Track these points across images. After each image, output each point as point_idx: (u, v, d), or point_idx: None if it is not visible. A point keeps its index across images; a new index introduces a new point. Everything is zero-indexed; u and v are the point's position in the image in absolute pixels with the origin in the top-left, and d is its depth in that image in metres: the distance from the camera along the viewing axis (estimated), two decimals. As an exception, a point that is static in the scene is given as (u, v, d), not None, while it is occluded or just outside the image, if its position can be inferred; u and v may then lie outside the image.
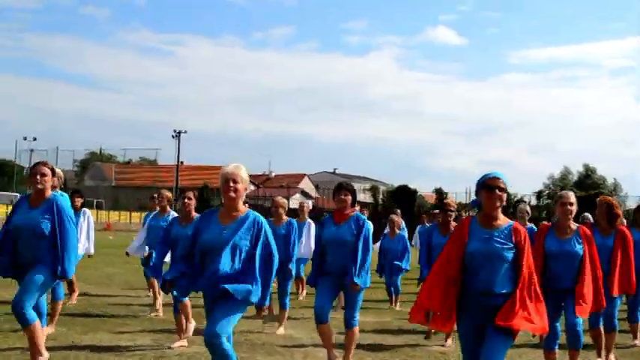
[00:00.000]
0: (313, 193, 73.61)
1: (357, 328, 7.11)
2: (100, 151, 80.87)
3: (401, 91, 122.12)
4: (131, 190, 67.50)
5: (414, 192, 59.30)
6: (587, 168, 57.94)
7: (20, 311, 6.08)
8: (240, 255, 5.25)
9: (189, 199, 8.11)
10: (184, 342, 8.01)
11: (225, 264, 5.19)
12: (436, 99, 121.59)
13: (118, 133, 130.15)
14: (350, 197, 7.04)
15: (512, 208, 50.83)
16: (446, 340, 8.68)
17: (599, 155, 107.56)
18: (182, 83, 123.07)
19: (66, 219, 6.32)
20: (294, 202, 52.04)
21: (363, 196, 64.28)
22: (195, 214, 8.14)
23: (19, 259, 6.34)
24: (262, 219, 5.41)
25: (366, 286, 6.95)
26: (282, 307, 9.39)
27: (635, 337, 9.17)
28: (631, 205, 55.68)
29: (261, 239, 5.31)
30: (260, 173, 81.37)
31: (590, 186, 56.18)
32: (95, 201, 59.52)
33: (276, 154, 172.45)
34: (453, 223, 8.89)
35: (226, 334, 5.11)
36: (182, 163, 67.41)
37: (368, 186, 70.01)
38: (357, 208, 10.11)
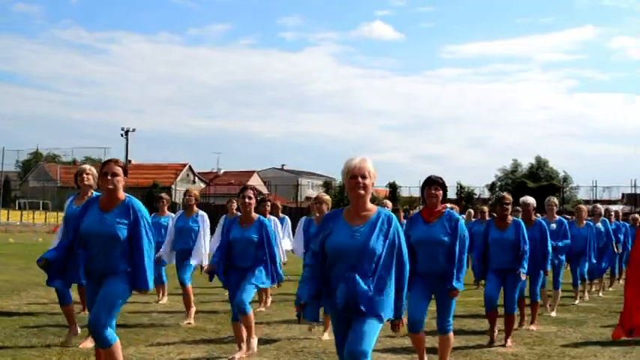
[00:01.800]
0: (263, 189, 72.88)
1: (452, 334, 6.64)
2: (37, 152, 78.45)
3: (338, 87, 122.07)
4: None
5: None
6: (538, 160, 58.58)
7: (100, 331, 5.40)
8: (377, 262, 4.65)
9: (250, 198, 7.46)
10: (243, 353, 7.40)
11: (362, 273, 4.59)
12: (373, 94, 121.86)
13: (57, 133, 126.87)
14: (441, 192, 6.55)
15: (466, 201, 51.55)
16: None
17: (533, 149, 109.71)
18: (119, 82, 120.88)
19: (143, 223, 5.64)
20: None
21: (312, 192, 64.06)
22: (255, 215, 7.55)
23: (88, 266, 5.65)
24: (394, 216, 4.82)
25: (462, 289, 6.48)
26: (327, 312, 8.82)
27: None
28: (582, 196, 56.86)
29: (396, 242, 4.72)
30: (208, 170, 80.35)
31: (542, 177, 56.95)
32: (41, 202, 57.66)
33: (214, 152, 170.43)
34: (510, 217, 8.51)
35: (369, 352, 4.53)
36: (130, 161, 65.75)
37: (320, 182, 69.70)
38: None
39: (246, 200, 7.44)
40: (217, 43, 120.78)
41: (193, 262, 9.36)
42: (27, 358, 7.15)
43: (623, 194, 57.64)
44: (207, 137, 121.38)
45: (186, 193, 9.77)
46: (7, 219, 51.92)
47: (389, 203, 12.19)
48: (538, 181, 55.71)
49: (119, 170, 5.66)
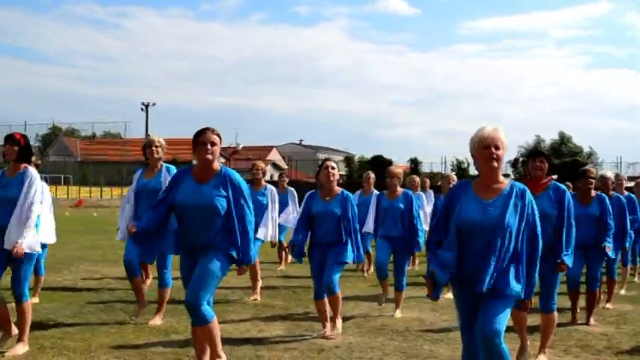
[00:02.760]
0: (283, 164, 72.52)
1: (556, 313, 6.31)
2: (54, 126, 78.24)
3: (351, 62, 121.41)
4: (97, 165, 65.49)
5: (390, 162, 58.77)
6: (562, 136, 57.96)
7: (197, 308, 5.10)
8: (510, 238, 4.30)
9: (333, 168, 7.09)
10: (329, 332, 7.11)
11: (496, 250, 4.23)
12: (387, 70, 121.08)
13: (71, 108, 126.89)
14: (546, 165, 6.20)
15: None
16: None
17: (545, 125, 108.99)
18: (132, 57, 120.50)
19: (243, 195, 5.32)
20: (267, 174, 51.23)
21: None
22: (338, 188, 7.22)
23: (183, 240, 5.35)
24: (527, 189, 4.45)
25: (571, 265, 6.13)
26: (399, 288, 8.53)
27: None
28: (606, 172, 56.20)
29: (530, 217, 4.36)
30: (226, 146, 79.90)
31: (565, 154, 56.38)
32: (62, 177, 57.61)
33: (232, 127, 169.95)
34: (594, 192, 8.14)
35: (502, 332, 4.22)
36: (149, 136, 65.53)
37: (340, 157, 69.32)
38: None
39: (330, 171, 7.09)
40: (229, 19, 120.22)
41: (260, 236, 9.05)
42: (104, 335, 6.89)
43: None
44: (222, 113, 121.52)
45: (254, 166, 9.44)
46: (30, 194, 51.89)
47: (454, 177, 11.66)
48: (561, 157, 55.13)
49: (217, 139, 5.33)
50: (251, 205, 5.37)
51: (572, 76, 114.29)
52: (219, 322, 7.55)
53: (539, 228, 4.40)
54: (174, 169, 7.65)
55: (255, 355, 6.28)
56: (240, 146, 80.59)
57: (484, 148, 4.31)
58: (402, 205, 8.39)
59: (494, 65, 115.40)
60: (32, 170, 6.29)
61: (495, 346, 4.16)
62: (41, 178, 6.47)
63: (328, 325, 7.15)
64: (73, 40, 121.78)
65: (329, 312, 7.18)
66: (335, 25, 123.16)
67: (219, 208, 5.21)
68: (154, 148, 7.65)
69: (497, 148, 4.32)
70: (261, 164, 9.53)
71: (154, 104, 61.60)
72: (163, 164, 7.70)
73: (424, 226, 10.46)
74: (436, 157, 70.90)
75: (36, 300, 8.58)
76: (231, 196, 5.26)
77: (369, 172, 12.46)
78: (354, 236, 7.16)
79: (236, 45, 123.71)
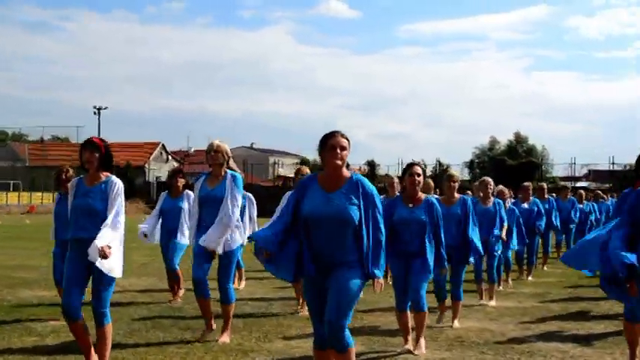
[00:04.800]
0: (236, 168, 71.62)
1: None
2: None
3: (297, 66, 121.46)
4: (47, 170, 63.63)
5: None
6: (517, 136, 58.67)
7: (340, 334, 4.62)
8: None
9: (419, 175, 6.71)
10: (410, 344, 6.74)
11: None
12: (331, 73, 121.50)
13: (15, 112, 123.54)
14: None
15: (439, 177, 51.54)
16: None
17: (492, 126, 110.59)
18: (77, 60, 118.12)
19: (375, 204, 4.87)
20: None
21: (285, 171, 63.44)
22: (422, 194, 6.85)
23: (313, 256, 4.83)
24: None
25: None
26: (457, 298, 8.21)
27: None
28: (559, 174, 57.11)
29: None
30: (178, 149, 78.67)
31: (521, 154, 57.02)
32: (12, 182, 55.78)
33: (173, 131, 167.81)
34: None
35: None
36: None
37: (293, 160, 68.84)
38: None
39: (415, 178, 6.71)
40: (174, 22, 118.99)
41: None
42: (175, 355, 6.40)
43: (589, 170, 57.80)
44: (170, 116, 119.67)
45: (299, 171, 8.99)
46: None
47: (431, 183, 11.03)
48: (517, 158, 55.70)
49: (346, 143, 4.87)
50: (382, 213, 4.95)
51: (516, 78, 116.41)
52: (288, 339, 7.19)
53: None
54: (239, 177, 7.23)
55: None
56: (192, 149, 79.48)
57: None
58: (459, 211, 8.06)
59: (437, 68, 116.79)
60: (116, 179, 5.78)
61: None
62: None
63: (410, 338, 6.78)
64: (8, 44, 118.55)
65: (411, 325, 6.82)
66: (280, 29, 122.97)
67: (353, 219, 4.76)
68: (213, 154, 7.16)
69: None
70: (306, 169, 9.08)
71: (105, 108, 60.21)
72: (228, 171, 7.21)
73: None
74: (383, 160, 70.10)
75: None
76: (362, 204, 4.81)
77: (393, 176, 11.98)
78: (438, 246, 6.80)
79: (181, 48, 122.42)
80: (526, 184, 13.28)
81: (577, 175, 55.41)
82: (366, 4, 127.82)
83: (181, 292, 9.60)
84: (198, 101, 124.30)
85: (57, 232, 8.06)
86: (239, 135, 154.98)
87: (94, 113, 58.97)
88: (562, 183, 38.46)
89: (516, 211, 11.19)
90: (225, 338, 7.04)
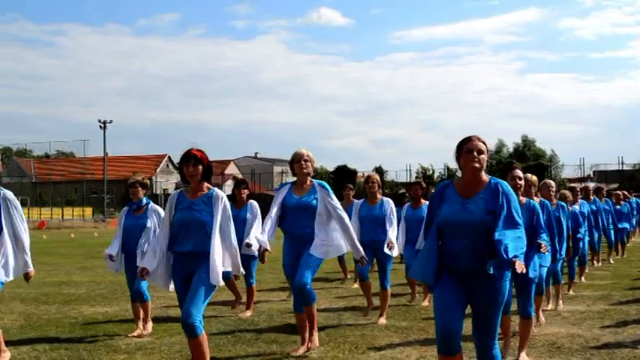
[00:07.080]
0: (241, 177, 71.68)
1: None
2: (6, 147, 75.43)
3: (291, 74, 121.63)
4: (54, 185, 63.51)
5: (354, 172, 58.70)
6: (525, 139, 58.70)
7: (492, 349, 4.60)
8: None
9: (520, 179, 6.56)
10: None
11: None
12: (326, 81, 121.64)
13: (13, 128, 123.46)
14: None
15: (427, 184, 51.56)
16: None
17: (489, 129, 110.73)
18: (70, 75, 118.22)
19: (516, 208, 4.66)
20: (228, 188, 50.28)
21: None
22: (523, 198, 6.67)
23: (450, 265, 4.65)
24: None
25: None
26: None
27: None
28: (567, 175, 57.05)
29: None
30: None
31: (529, 157, 57.03)
32: (19, 198, 55.53)
33: (177, 142, 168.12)
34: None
35: None
36: (107, 154, 63.96)
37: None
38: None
39: (517, 182, 6.49)
40: (167, 33, 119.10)
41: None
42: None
43: (594, 171, 57.79)
44: (161, 129, 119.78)
45: (369, 179, 8.84)
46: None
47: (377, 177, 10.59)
48: (525, 161, 55.65)
49: (484, 147, 4.69)
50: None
51: (511, 81, 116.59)
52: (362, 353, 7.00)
53: None
54: (327, 186, 7.10)
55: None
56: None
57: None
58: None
59: (431, 73, 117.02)
60: (219, 190, 5.67)
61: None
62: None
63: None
64: (6, 60, 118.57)
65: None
66: (274, 38, 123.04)
67: (487, 225, 4.58)
68: (302, 162, 7.02)
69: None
70: (376, 176, 8.92)
71: (110, 122, 60.04)
72: (314, 180, 7.09)
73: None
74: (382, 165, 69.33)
75: (148, 330, 7.88)
76: (502, 210, 4.56)
77: (418, 184, 10.38)
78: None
79: (174, 59, 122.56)
80: (574, 185, 13.16)
81: (584, 175, 55.39)
82: (359, 11, 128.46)
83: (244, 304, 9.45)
84: (190, 112, 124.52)
85: (125, 246, 7.90)
86: (238, 145, 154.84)
87: (100, 127, 58.73)
88: (570, 185, 38.47)
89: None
90: (316, 342, 6.99)
